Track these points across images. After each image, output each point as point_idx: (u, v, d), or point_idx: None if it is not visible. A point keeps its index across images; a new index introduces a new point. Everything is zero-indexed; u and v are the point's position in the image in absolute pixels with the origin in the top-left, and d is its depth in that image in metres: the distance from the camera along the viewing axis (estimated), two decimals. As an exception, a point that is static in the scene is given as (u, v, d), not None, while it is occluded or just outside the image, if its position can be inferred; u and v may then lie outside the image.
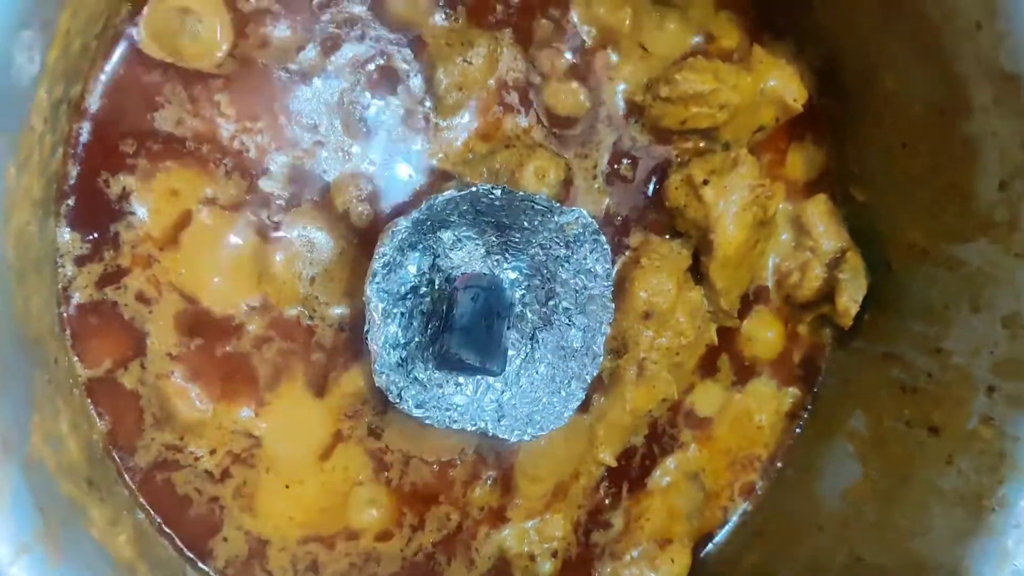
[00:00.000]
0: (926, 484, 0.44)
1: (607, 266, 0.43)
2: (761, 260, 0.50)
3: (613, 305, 0.44)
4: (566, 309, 0.44)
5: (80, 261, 0.38)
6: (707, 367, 0.50)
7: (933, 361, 0.46)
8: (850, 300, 0.48)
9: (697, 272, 0.48)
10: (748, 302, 0.50)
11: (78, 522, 0.32)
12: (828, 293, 0.49)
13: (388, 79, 0.42)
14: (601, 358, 0.44)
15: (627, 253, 0.47)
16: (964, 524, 0.41)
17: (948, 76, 0.42)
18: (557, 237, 0.43)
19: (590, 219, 0.42)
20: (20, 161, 0.30)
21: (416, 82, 0.42)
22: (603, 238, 0.43)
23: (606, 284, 0.44)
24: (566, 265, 0.44)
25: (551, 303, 0.44)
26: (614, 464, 0.48)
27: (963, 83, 0.41)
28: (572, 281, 0.44)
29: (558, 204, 0.42)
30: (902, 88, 0.45)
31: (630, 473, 0.49)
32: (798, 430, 0.52)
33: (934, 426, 0.45)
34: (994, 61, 0.39)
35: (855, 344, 0.51)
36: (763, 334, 0.51)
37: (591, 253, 0.43)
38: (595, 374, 0.44)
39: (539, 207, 0.42)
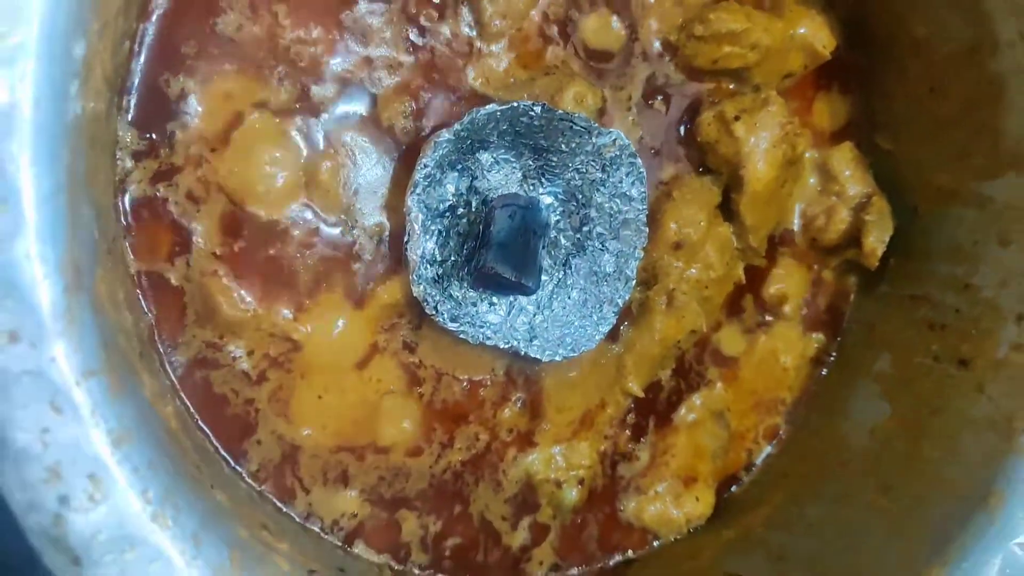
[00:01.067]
0: (957, 414, 0.44)
1: (642, 189, 0.44)
2: (789, 201, 0.51)
3: (647, 229, 0.45)
4: (600, 234, 0.45)
5: (137, 156, 0.40)
6: (734, 306, 0.51)
7: (961, 297, 0.46)
8: (877, 241, 0.49)
9: (727, 210, 0.49)
10: (774, 245, 0.51)
11: (133, 377, 0.32)
12: (854, 237, 0.50)
13: (437, 3, 0.44)
14: (633, 281, 0.45)
15: (659, 187, 0.48)
16: (996, 447, 0.41)
17: (976, 15, 0.43)
18: (594, 160, 0.44)
19: (627, 141, 0.44)
20: (101, 23, 0.31)
21: (463, 8, 0.44)
22: (639, 161, 0.44)
23: (641, 208, 0.45)
24: (602, 188, 0.45)
25: (585, 229, 0.45)
26: (641, 395, 0.48)
27: (990, 19, 0.43)
28: (607, 205, 0.45)
29: (596, 125, 0.43)
30: (931, 33, 0.46)
31: (656, 407, 0.49)
32: (823, 373, 0.53)
33: (963, 359, 0.45)
34: (1021, -6, 0.41)
35: (880, 289, 0.52)
36: (788, 278, 0.52)
37: (627, 176, 0.44)
38: (627, 298, 0.45)
39: (578, 127, 0.43)
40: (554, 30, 0.46)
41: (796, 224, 0.52)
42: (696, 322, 0.48)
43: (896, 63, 0.49)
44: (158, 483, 0.30)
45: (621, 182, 0.44)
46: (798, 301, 0.52)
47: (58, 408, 0.27)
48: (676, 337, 0.48)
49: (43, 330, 0.27)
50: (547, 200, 0.45)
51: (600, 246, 0.45)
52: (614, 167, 0.44)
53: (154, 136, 0.40)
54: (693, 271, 0.48)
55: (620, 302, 0.45)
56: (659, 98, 0.48)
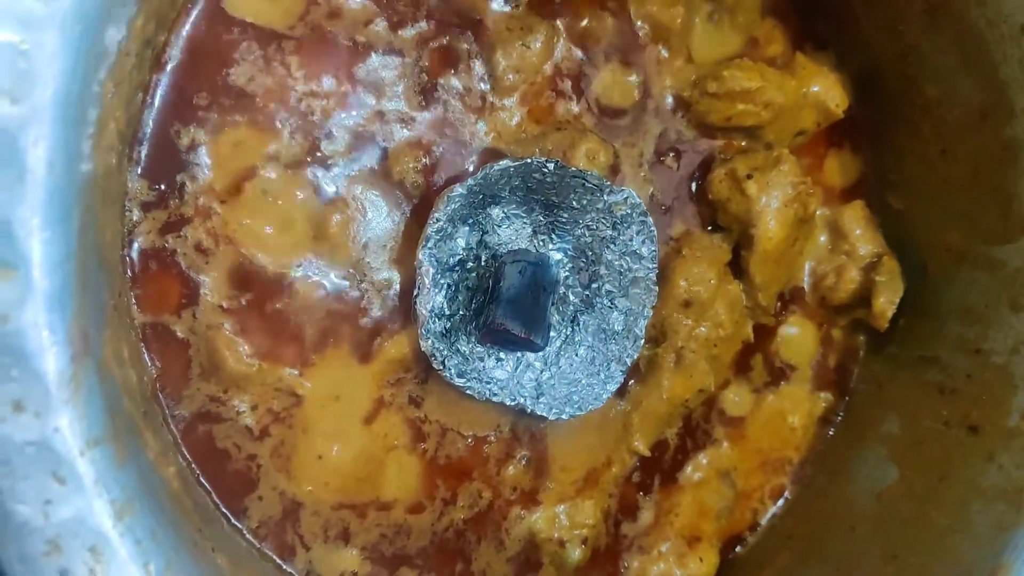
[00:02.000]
0: (965, 482, 0.43)
1: (653, 248, 0.44)
2: (799, 260, 0.51)
3: (657, 288, 0.45)
4: (609, 292, 0.45)
5: (146, 207, 0.39)
6: (742, 365, 0.50)
7: (972, 362, 0.46)
8: (887, 302, 0.49)
9: (737, 267, 0.49)
10: (784, 303, 0.51)
11: (137, 440, 0.32)
12: (863, 296, 0.50)
13: (450, 58, 0.43)
14: (642, 341, 0.45)
15: (669, 243, 0.48)
16: (1005, 518, 0.41)
17: (991, 82, 0.43)
18: (604, 217, 0.44)
19: (639, 199, 0.43)
20: (116, 81, 0.31)
21: (476, 63, 0.44)
22: (650, 220, 0.44)
23: (651, 266, 0.44)
24: (612, 246, 0.44)
25: (594, 286, 0.45)
26: (648, 454, 0.48)
27: (1006, 88, 0.43)
28: (617, 263, 0.45)
29: (608, 183, 0.43)
30: (943, 95, 0.46)
31: (662, 465, 0.49)
32: (831, 433, 0.52)
33: (973, 425, 0.45)
34: (1037, 65, 0.41)
35: (889, 350, 0.51)
36: (798, 336, 0.52)
37: (637, 235, 0.44)
38: (635, 357, 0.45)
39: (590, 184, 0.43)
40: (567, 85, 0.46)
41: (806, 282, 0.52)
42: (704, 381, 0.47)
43: (907, 122, 0.49)
44: (160, 555, 0.29)
45: (632, 240, 0.44)
46: (807, 360, 0.52)
47: (61, 479, 0.27)
48: (684, 396, 0.47)
49: (49, 399, 0.27)
50: (557, 256, 0.45)
51: (609, 304, 0.45)
52: (625, 225, 0.44)
53: (164, 187, 0.39)
54: (702, 329, 0.47)
55: (628, 361, 0.45)
56: (671, 154, 0.48)
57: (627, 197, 0.43)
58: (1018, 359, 0.43)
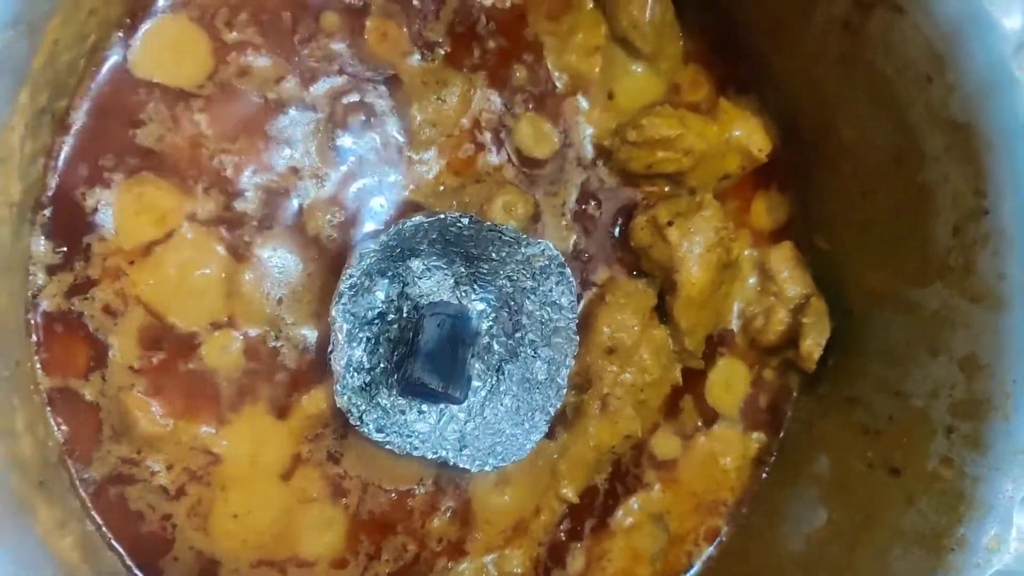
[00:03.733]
0: (888, 526, 0.43)
1: (572, 299, 0.44)
2: (726, 303, 0.51)
3: (577, 337, 0.45)
4: (532, 341, 0.45)
5: (52, 270, 0.39)
6: (672, 408, 0.50)
7: (894, 403, 0.46)
8: (814, 344, 0.49)
9: (663, 312, 0.49)
10: (713, 345, 0.51)
11: (24, 517, 0.31)
12: (793, 338, 0.50)
13: (364, 112, 0.44)
14: (565, 390, 0.45)
15: (593, 290, 0.48)
16: (925, 564, 0.40)
17: (902, 127, 0.44)
18: (524, 269, 0.44)
19: (556, 251, 0.44)
20: (3, 155, 0.31)
21: (391, 117, 0.44)
22: (568, 271, 0.44)
23: (571, 316, 0.44)
24: (532, 297, 0.44)
25: (517, 335, 0.45)
26: (576, 501, 0.47)
27: (916, 133, 0.43)
28: (538, 313, 0.45)
29: (525, 236, 0.43)
30: (859, 139, 0.47)
31: (592, 511, 0.48)
32: (764, 475, 0.52)
33: (895, 467, 0.45)
34: (944, 111, 0.41)
35: (820, 389, 0.52)
36: (728, 378, 0.52)
37: (556, 285, 0.44)
38: (559, 406, 0.45)
39: (506, 238, 0.43)
40: (487, 136, 0.46)
41: (735, 324, 0.52)
42: (631, 427, 0.47)
43: (829, 164, 0.50)
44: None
45: (551, 291, 0.44)
46: (738, 401, 0.52)
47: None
48: (611, 442, 0.47)
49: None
50: (479, 306, 0.45)
51: (532, 353, 0.45)
52: (544, 276, 0.44)
53: (69, 249, 0.39)
54: (627, 375, 0.47)
55: (552, 410, 0.45)
56: (593, 202, 0.48)
57: (544, 249, 0.43)
58: (936, 404, 0.43)
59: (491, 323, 0.45)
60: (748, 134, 0.49)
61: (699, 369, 0.51)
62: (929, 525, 0.42)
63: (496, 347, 0.45)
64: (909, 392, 0.45)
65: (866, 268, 0.49)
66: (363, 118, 0.43)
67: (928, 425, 0.44)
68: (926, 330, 0.45)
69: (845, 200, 0.49)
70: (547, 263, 0.44)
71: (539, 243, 0.43)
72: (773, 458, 0.52)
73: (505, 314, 0.45)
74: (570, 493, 0.47)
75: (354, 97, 0.43)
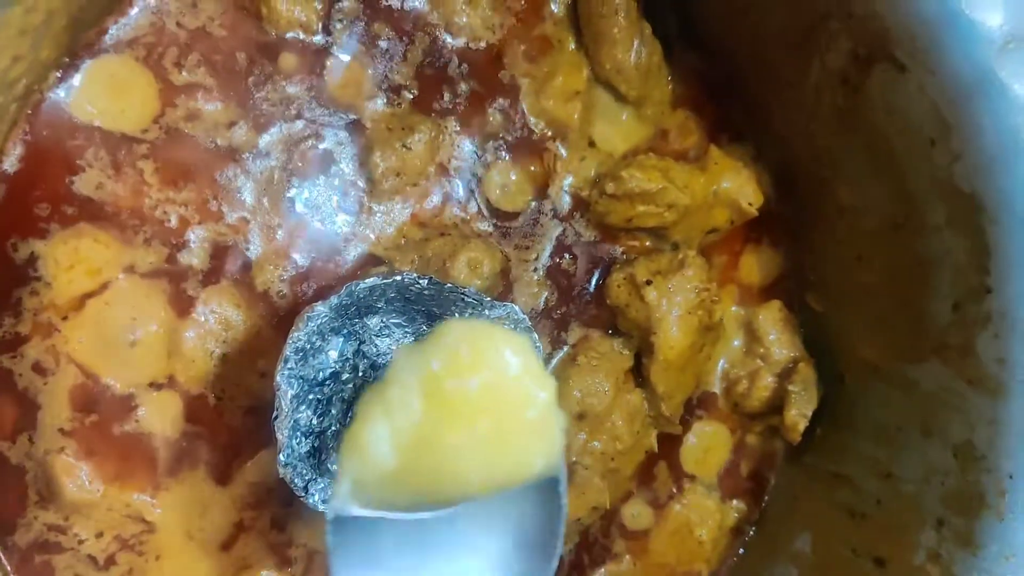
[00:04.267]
0: (869, 623, 0.41)
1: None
2: (707, 365, 0.48)
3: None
4: None
5: (-24, 326, 0.37)
6: (645, 475, 0.47)
7: (883, 486, 0.43)
8: (799, 415, 0.46)
9: (639, 374, 0.46)
10: (693, 408, 0.48)
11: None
12: (778, 404, 0.47)
13: (322, 160, 0.41)
14: None
15: (565, 349, 0.45)
16: (903, 673, 0.38)
17: (902, 192, 0.40)
18: None
19: (522, 315, 0.41)
20: None
21: (351, 165, 0.41)
22: (535, 336, 0.41)
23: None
24: None
25: None
26: (539, 574, 0.45)
27: (917, 200, 0.40)
28: None
29: (488, 299, 0.40)
30: (856, 201, 0.44)
31: (557, 585, 0.46)
32: (743, 549, 0.49)
33: (880, 558, 0.42)
34: (948, 179, 0.38)
35: (806, 459, 0.48)
36: (708, 443, 0.49)
37: None
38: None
39: (469, 300, 0.40)
40: (456, 187, 0.43)
41: (717, 387, 0.49)
42: (599, 499, 0.44)
43: (824, 223, 0.47)
44: None
45: None
46: (717, 467, 0.49)
47: None
48: (577, 515, 0.44)
49: None
50: None
51: None
52: None
53: (-3, 303, 0.37)
54: (597, 443, 0.44)
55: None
56: (568, 256, 0.45)
57: (509, 312, 0.41)
58: (928, 490, 0.40)
59: None
60: (739, 186, 0.46)
61: (676, 434, 0.48)
62: (913, 628, 0.39)
63: None
64: (899, 475, 0.42)
65: (860, 336, 0.45)
66: (321, 166, 0.41)
67: (918, 514, 0.40)
68: (920, 410, 0.42)
69: (840, 262, 0.46)
70: (513, 327, 0.41)
71: (504, 306, 0.40)
72: (753, 530, 0.50)
73: None
74: (533, 565, 0.44)
75: (312, 144, 0.41)
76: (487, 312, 0.41)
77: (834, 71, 0.41)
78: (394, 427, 0.24)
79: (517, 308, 0.41)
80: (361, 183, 0.41)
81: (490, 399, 0.24)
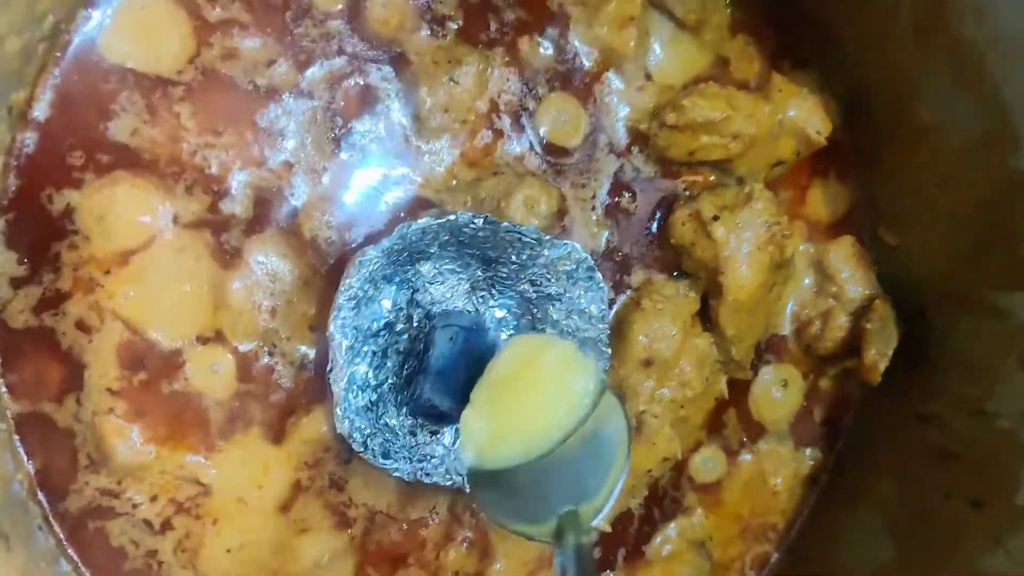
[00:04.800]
0: (969, 565, 0.38)
1: (602, 307, 0.39)
2: (778, 306, 0.45)
3: (609, 351, 0.40)
4: None
5: (16, 283, 0.35)
6: (715, 423, 0.45)
7: (976, 424, 0.40)
8: (879, 354, 0.43)
9: (706, 317, 0.43)
10: (762, 352, 0.45)
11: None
12: (854, 345, 0.44)
13: (366, 98, 0.38)
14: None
15: (628, 293, 0.43)
16: (1013, 620, 0.35)
17: (993, 105, 0.37)
18: (548, 273, 0.39)
19: (584, 254, 0.38)
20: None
21: (397, 102, 0.39)
22: (598, 275, 0.39)
23: (601, 327, 0.39)
24: (558, 304, 0.39)
25: None
26: (608, 529, 0.43)
27: (1010, 113, 0.37)
28: (564, 322, 0.39)
29: (548, 237, 0.38)
30: (939, 120, 0.40)
31: (626, 539, 0.43)
32: (820, 494, 0.47)
33: (977, 500, 0.39)
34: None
35: (885, 403, 0.46)
36: (780, 388, 0.46)
37: (585, 292, 0.39)
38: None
39: (527, 240, 0.38)
40: (506, 122, 0.40)
41: (788, 329, 0.46)
42: (670, 448, 0.42)
43: (901, 148, 0.43)
44: None
45: (579, 298, 0.39)
46: (790, 414, 0.46)
47: None
48: (646, 467, 0.42)
49: None
50: (499, 314, 0.40)
51: None
52: (571, 281, 0.39)
53: (35, 259, 0.35)
54: (666, 391, 0.42)
55: None
56: (627, 195, 0.42)
57: (570, 251, 0.38)
58: (1028, 427, 0.38)
59: (512, 331, 0.40)
60: (805, 114, 0.43)
61: (746, 380, 0.45)
62: (1020, 570, 0.36)
63: None
64: (994, 411, 0.39)
65: (943, 268, 0.42)
66: (366, 104, 0.38)
67: (1018, 451, 0.38)
68: (1017, 341, 0.39)
69: (919, 189, 0.43)
70: (574, 267, 0.38)
71: (565, 244, 0.38)
72: (828, 478, 0.47)
73: (527, 322, 0.40)
74: (601, 520, 0.42)
75: (355, 81, 0.38)
76: (547, 252, 0.38)
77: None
78: (492, 412, 0.34)
79: (579, 247, 0.38)
80: (408, 121, 0.39)
81: (550, 387, 0.35)
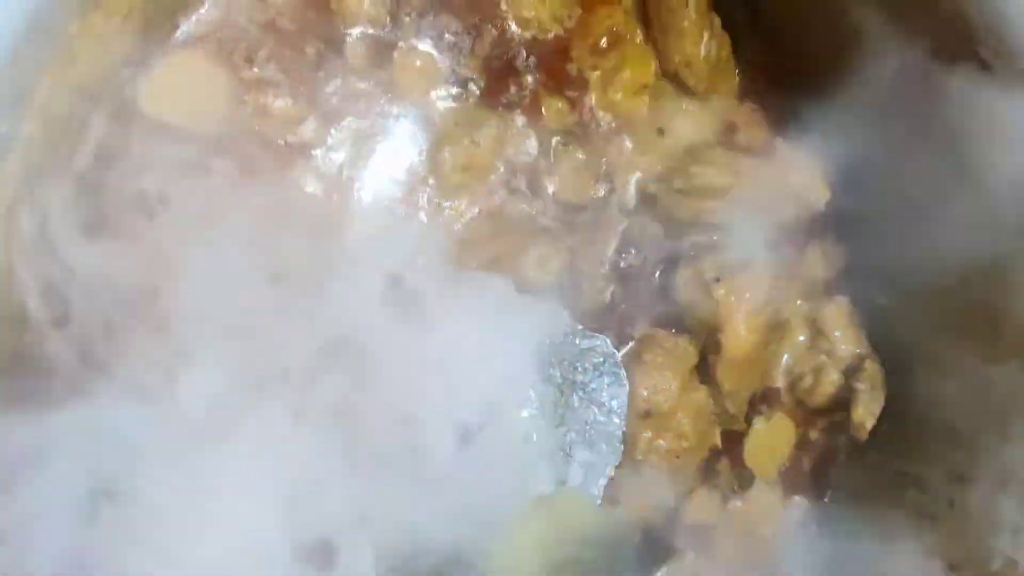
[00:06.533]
0: (942, 627, 0.40)
1: (623, 402, 0.41)
2: (773, 361, 0.47)
3: (623, 447, 0.42)
4: (572, 441, 0.42)
5: (53, 325, 0.36)
6: (708, 471, 0.47)
7: (954, 488, 0.42)
8: (867, 413, 0.45)
9: (704, 371, 0.45)
10: (756, 403, 0.48)
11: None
12: (843, 400, 0.47)
13: (390, 155, 0.40)
14: (599, 502, 0.42)
15: (630, 345, 0.45)
16: None
17: (979, 192, 0.39)
18: (575, 361, 0.41)
19: (612, 349, 0.41)
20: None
21: (419, 160, 0.41)
22: (623, 373, 0.41)
23: (618, 422, 0.42)
24: (580, 393, 0.41)
25: (559, 430, 0.42)
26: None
27: (993, 197, 0.39)
28: (583, 412, 0.42)
29: (581, 327, 0.40)
30: (928, 198, 0.42)
31: (619, 581, 0.46)
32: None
33: (953, 563, 0.41)
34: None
35: (870, 457, 0.48)
36: (771, 438, 0.48)
37: (608, 386, 0.41)
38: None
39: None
40: (522, 182, 0.42)
41: (781, 381, 0.48)
42: (663, 496, 0.44)
43: (893, 218, 0.46)
44: None
45: (602, 391, 0.41)
46: (779, 463, 0.49)
47: None
48: (641, 512, 0.44)
49: None
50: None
51: (568, 453, 0.42)
52: (596, 373, 0.41)
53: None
54: (662, 443, 0.44)
55: None
56: (634, 251, 0.44)
57: (600, 344, 0.41)
58: (1005, 496, 0.40)
59: (534, 412, 0.42)
60: (805, 180, 0.45)
61: (739, 431, 0.47)
62: (990, 633, 0.38)
63: (535, 438, 0.42)
64: (973, 478, 0.42)
65: (931, 334, 0.45)
66: (390, 162, 0.40)
67: (994, 519, 0.40)
68: (998, 412, 0.41)
69: (907, 258, 0.45)
70: (601, 360, 0.41)
71: (595, 337, 0.40)
72: (815, 528, 0.49)
73: (549, 406, 0.42)
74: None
75: (380, 139, 0.40)
76: (577, 341, 0.40)
77: (913, 67, 0.39)
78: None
79: (608, 341, 0.41)
80: (430, 179, 0.41)
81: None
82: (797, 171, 0.45)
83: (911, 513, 0.44)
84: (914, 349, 0.46)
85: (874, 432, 0.46)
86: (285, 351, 0.35)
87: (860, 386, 0.46)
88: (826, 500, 0.49)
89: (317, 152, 0.39)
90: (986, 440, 0.41)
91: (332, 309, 0.36)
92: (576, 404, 0.41)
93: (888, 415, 0.46)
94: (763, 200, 0.44)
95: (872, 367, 0.46)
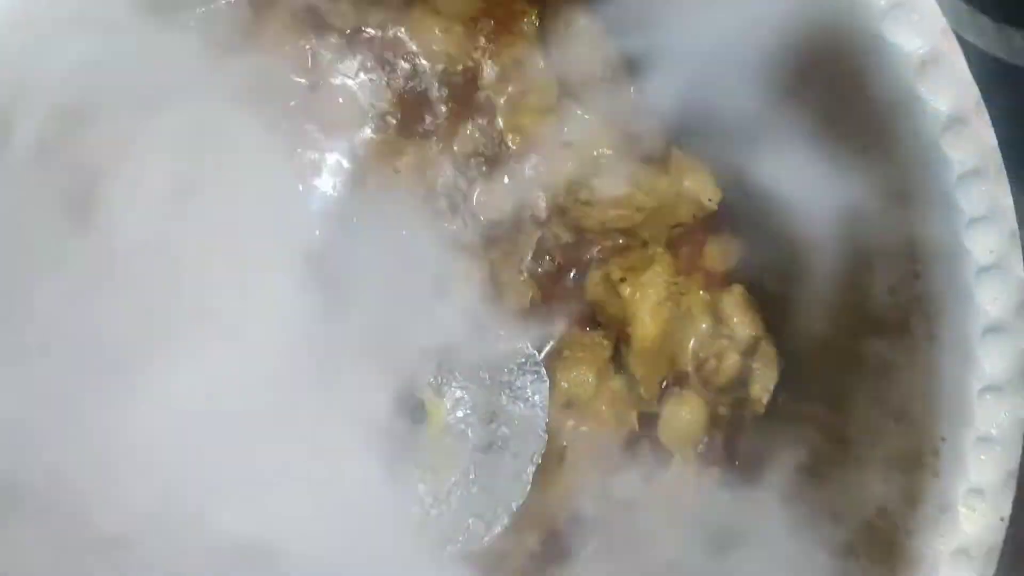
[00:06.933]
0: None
1: (544, 397, 0.47)
2: (681, 346, 0.53)
3: (546, 436, 0.47)
4: (504, 435, 0.47)
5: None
6: (628, 452, 0.52)
7: (838, 449, 0.48)
8: (763, 389, 0.51)
9: (618, 361, 0.50)
10: (669, 386, 0.53)
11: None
12: (744, 379, 0.52)
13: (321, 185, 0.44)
14: (529, 487, 0.47)
15: (551, 343, 0.50)
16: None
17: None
18: (503, 363, 0.46)
19: (533, 350, 0.46)
20: None
21: (347, 190, 0.45)
22: (543, 371, 0.46)
23: (541, 415, 0.47)
24: (508, 391, 0.47)
25: (491, 425, 0.47)
26: (537, 548, 0.50)
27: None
28: (511, 407, 0.47)
29: (503, 332, 0.45)
30: (800, 198, 0.48)
31: (552, 558, 0.51)
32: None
33: (836, 513, 0.47)
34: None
35: (770, 427, 0.54)
36: (684, 417, 0.54)
37: (531, 383, 0.46)
38: (520, 503, 0.47)
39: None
40: (442, 204, 0.47)
41: (690, 365, 0.54)
42: (586, 478, 0.49)
43: (775, 216, 0.51)
44: None
45: (526, 388, 0.46)
46: (694, 439, 0.54)
47: None
48: (567, 494, 0.49)
49: None
50: (458, 394, 0.47)
51: (502, 445, 0.47)
52: (520, 372, 0.46)
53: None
54: (584, 429, 0.49)
55: (515, 506, 0.47)
56: (549, 259, 0.49)
57: (522, 346, 0.46)
58: (874, 454, 0.46)
59: (468, 411, 0.46)
60: (699, 184, 0.51)
61: (654, 413, 0.53)
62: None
63: (470, 435, 0.47)
64: (851, 439, 0.48)
65: (811, 316, 0.50)
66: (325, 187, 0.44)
67: (867, 474, 0.46)
68: (866, 382, 0.47)
69: (791, 250, 0.51)
70: (524, 360, 0.46)
71: (518, 340, 0.46)
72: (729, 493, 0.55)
73: (482, 404, 0.47)
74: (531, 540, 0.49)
75: (315, 170, 0.44)
76: (501, 345, 0.45)
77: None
78: None
79: (528, 345, 0.46)
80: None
81: None
82: (690, 177, 0.50)
83: (804, 474, 0.50)
84: (800, 330, 0.51)
85: (773, 403, 0.52)
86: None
87: (756, 365, 0.51)
88: (737, 464, 0.55)
89: (252, 187, 0.43)
90: (858, 406, 0.47)
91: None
92: (504, 401, 0.46)
93: (782, 389, 0.51)
94: (661, 205, 0.49)
95: (766, 348, 0.52)
